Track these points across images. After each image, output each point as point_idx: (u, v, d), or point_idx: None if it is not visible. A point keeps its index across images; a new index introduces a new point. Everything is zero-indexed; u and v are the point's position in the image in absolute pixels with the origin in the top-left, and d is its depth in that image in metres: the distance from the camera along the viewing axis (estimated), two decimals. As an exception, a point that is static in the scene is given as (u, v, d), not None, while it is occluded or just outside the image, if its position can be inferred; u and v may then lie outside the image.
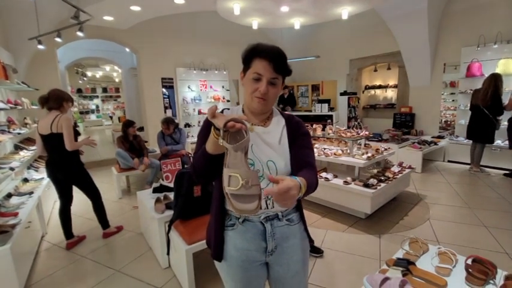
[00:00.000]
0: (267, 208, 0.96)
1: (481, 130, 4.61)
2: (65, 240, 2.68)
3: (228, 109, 1.05)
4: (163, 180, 2.92)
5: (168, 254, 2.16)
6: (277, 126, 1.03)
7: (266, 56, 0.90)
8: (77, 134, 2.66)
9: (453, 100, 6.59)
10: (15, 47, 4.41)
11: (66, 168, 2.54)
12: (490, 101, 4.40)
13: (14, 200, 2.52)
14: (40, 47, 4.20)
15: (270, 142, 0.98)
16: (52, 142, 2.45)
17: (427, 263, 1.37)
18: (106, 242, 2.76)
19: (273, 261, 1.02)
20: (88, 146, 2.75)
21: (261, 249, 0.98)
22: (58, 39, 4.01)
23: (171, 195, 2.47)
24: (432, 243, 1.74)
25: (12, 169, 2.54)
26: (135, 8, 4.77)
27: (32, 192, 2.80)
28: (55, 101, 2.48)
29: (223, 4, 4.45)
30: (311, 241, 1.12)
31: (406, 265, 1.27)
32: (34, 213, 2.71)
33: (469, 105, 4.97)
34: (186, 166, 3.20)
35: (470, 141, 4.89)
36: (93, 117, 14.58)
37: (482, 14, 5.27)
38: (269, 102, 0.95)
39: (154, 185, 2.76)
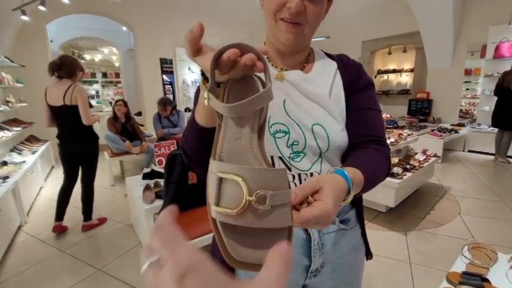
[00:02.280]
0: None
1: (509, 117, 4.16)
2: (54, 222, 2.40)
3: None
4: (155, 165, 2.56)
5: (157, 251, 1.81)
6: (325, 71, 0.62)
7: None
8: (90, 106, 2.40)
9: (467, 89, 6.09)
10: (-3, 18, 4.00)
11: (81, 142, 2.32)
12: None
13: (-17, 185, 2.18)
14: (24, 17, 3.78)
15: (316, 94, 0.58)
16: (64, 115, 2.23)
17: (501, 278, 0.99)
18: (91, 234, 2.43)
19: (315, 284, 0.65)
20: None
21: (300, 267, 0.61)
22: (42, 8, 3.59)
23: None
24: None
25: (-21, 149, 2.19)
26: (129, -24, 4.31)
27: (7, 177, 2.46)
28: (68, 68, 2.23)
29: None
30: (369, 253, 0.72)
31: (481, 284, 0.90)
32: (9, 200, 2.38)
33: (494, 89, 4.50)
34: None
35: (495, 130, 4.46)
36: (93, 102, 14.21)
37: (515, -13, 4.73)
38: (306, 28, 0.55)
39: (145, 170, 2.40)
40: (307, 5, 0.52)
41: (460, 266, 1.07)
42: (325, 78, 0.61)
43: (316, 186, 0.38)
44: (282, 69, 0.61)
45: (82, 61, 12.15)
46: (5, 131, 3.14)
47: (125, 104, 3.72)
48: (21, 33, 4.52)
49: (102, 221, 2.61)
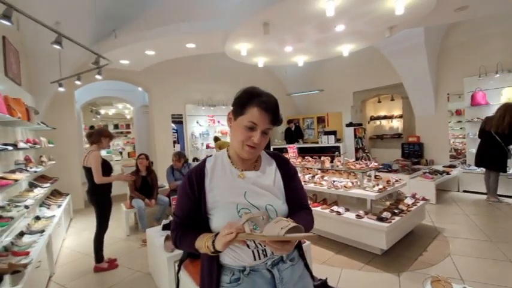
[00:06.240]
0: (272, 254, 0.94)
1: (492, 157, 4.51)
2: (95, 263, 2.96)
3: (211, 155, 1.04)
4: (172, 216, 2.90)
5: (177, 296, 2.07)
6: (269, 166, 1.03)
7: (265, 107, 0.89)
8: (109, 169, 3.03)
9: (461, 128, 6.55)
10: (37, 90, 4.72)
11: (92, 194, 2.91)
12: (507, 129, 4.33)
13: (26, 239, 2.52)
14: (61, 89, 4.48)
15: (265, 184, 0.97)
16: (86, 173, 2.89)
17: (453, 305, 1.28)
18: (112, 283, 2.68)
19: None
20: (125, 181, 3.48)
21: None
22: (78, 82, 4.29)
23: (181, 232, 2.43)
24: (456, 282, 1.64)
25: (27, 207, 2.57)
26: (150, 52, 5.14)
27: (43, 231, 2.80)
28: (96, 135, 2.98)
29: (231, 46, 4.76)
30: (312, 277, 1.07)
31: (431, 308, 1.20)
32: (44, 253, 2.68)
33: (477, 133, 4.93)
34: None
35: (484, 170, 4.76)
36: (103, 152, 14.89)
37: (480, 46, 5.48)
38: (259, 150, 0.94)
39: (164, 221, 2.74)
40: (262, 138, 0.90)
41: (422, 296, 1.36)
42: (269, 173, 1.01)
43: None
44: (242, 170, 0.98)
45: (98, 116, 13.14)
46: (38, 188, 3.55)
47: (146, 157, 4.19)
48: (53, 99, 5.21)
49: (111, 264, 2.94)
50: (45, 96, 4.90)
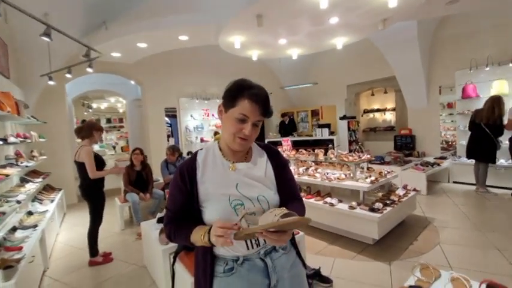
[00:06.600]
0: (265, 243, 0.95)
1: (482, 149, 4.61)
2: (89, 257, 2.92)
3: (202, 149, 1.05)
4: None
5: None
6: (261, 158, 1.04)
7: (256, 100, 0.89)
8: (102, 163, 2.97)
9: (452, 121, 6.65)
10: (27, 84, 4.61)
11: (84, 189, 2.87)
12: (498, 120, 4.42)
13: (19, 234, 2.51)
14: (51, 82, 4.39)
15: (257, 175, 0.98)
16: (78, 168, 2.85)
17: (440, 290, 1.33)
18: (109, 276, 2.69)
19: None
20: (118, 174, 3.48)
21: (263, 286, 0.96)
22: (68, 75, 4.21)
23: (176, 225, 2.45)
24: (444, 269, 1.69)
25: (18, 202, 2.55)
26: (142, 45, 5.06)
27: (36, 226, 2.78)
28: (86, 130, 2.90)
29: (225, 39, 4.71)
30: (304, 265, 1.09)
31: (419, 293, 1.24)
32: (37, 247, 2.67)
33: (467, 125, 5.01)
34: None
35: (474, 161, 4.87)
36: (96, 147, 14.72)
37: (471, 40, 5.53)
38: (250, 142, 0.96)
39: (159, 215, 2.75)
40: (252, 130, 0.91)
41: (411, 282, 1.41)
42: (261, 164, 1.02)
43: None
44: (233, 162, 0.98)
45: (90, 110, 12.94)
46: (30, 183, 3.51)
47: (141, 152, 4.16)
48: (44, 93, 5.09)
49: (106, 258, 2.94)
50: (35, 89, 4.79)
